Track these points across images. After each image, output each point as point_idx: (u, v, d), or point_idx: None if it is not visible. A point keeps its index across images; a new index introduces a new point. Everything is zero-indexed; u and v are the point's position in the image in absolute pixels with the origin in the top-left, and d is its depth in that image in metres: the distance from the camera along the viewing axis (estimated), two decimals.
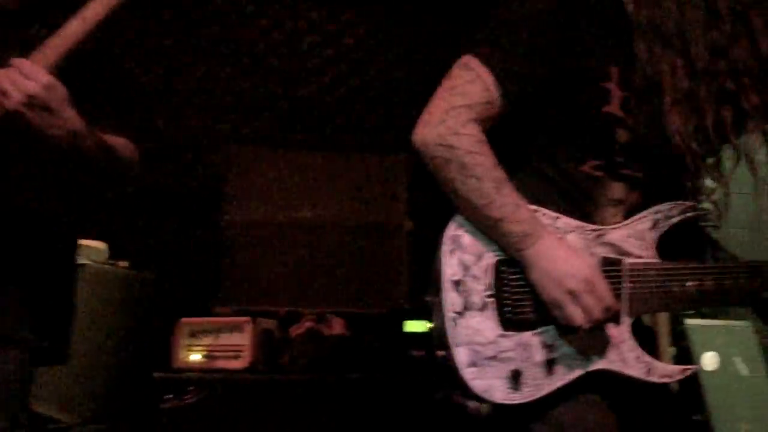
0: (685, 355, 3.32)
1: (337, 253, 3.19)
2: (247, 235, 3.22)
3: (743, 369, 3.36)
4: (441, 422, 2.64)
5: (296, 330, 2.83)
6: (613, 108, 1.34)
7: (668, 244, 1.39)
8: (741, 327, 3.36)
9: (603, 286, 1.27)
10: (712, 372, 3.29)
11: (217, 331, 2.81)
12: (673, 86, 1.30)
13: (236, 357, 2.74)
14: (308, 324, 2.81)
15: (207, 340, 2.79)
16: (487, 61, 1.32)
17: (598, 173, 1.36)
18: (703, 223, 1.44)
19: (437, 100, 1.33)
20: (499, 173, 1.31)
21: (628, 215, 1.37)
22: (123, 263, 2.90)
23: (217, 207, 3.27)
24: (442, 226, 1.38)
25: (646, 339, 1.41)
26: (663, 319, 2.25)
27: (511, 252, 1.31)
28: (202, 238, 3.52)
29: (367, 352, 2.81)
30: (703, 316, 3.14)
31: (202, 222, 3.48)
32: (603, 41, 1.35)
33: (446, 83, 1.34)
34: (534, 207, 1.33)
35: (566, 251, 1.29)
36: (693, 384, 3.32)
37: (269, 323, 2.87)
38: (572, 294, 1.26)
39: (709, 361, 3.31)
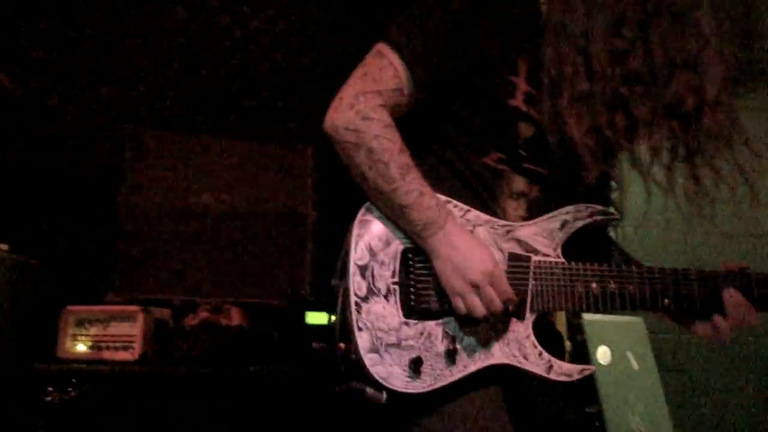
0: (580, 349, 3.41)
1: (237, 241, 3.09)
2: (143, 220, 3.08)
3: (635, 363, 3.48)
4: (342, 416, 2.60)
5: (191, 320, 2.71)
6: (518, 102, 1.36)
7: (576, 245, 1.41)
8: (633, 323, 3.49)
9: (504, 280, 1.27)
10: (605, 366, 3.40)
11: (106, 320, 2.66)
12: (573, 86, 1.32)
13: (125, 348, 2.60)
14: (204, 314, 2.71)
15: (94, 330, 2.64)
16: (398, 49, 1.33)
17: (501, 167, 1.37)
18: (608, 225, 1.46)
19: (348, 86, 1.33)
20: (407, 159, 1.30)
21: (529, 209, 1.38)
22: (3, 246, 2.71)
23: (113, 190, 3.12)
24: (348, 217, 1.37)
25: (553, 340, 1.43)
26: (560, 314, 2.29)
27: (416, 239, 1.30)
28: (95, 223, 3.34)
29: (267, 345, 2.73)
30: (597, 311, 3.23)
31: (96, 205, 3.31)
32: (514, 35, 1.36)
33: (358, 70, 1.35)
34: (446, 198, 1.33)
35: (470, 242, 1.28)
36: (587, 377, 3.41)
37: (163, 313, 2.75)
38: (473, 285, 1.26)
39: (602, 355, 3.41)
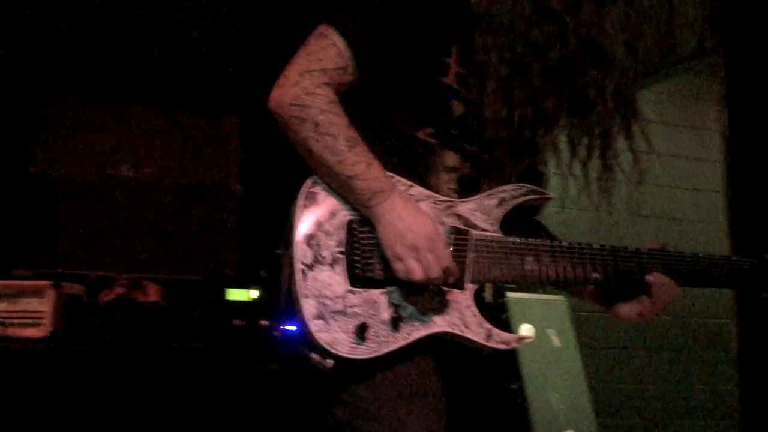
0: (504, 326, 3.44)
1: (157, 214, 2.99)
2: (57, 190, 2.95)
3: (556, 341, 3.55)
4: (262, 394, 2.55)
5: (106, 296, 2.61)
6: (450, 80, 1.42)
7: (511, 224, 1.45)
8: (556, 301, 3.55)
9: (444, 249, 1.32)
10: (527, 344, 3.45)
11: (14, 295, 2.52)
12: (496, 76, 1.40)
13: (35, 324, 2.48)
14: (120, 290, 2.60)
15: (1, 306, 2.50)
16: (341, 29, 1.38)
17: (433, 140, 1.42)
18: (543, 205, 1.52)
19: (293, 64, 1.38)
20: (354, 133, 1.35)
21: (460, 183, 1.43)
22: None
23: (25, 158, 2.96)
24: (276, 193, 1.40)
25: (492, 312, 1.47)
26: (487, 293, 2.30)
27: (361, 209, 1.34)
28: (4, 193, 3.17)
29: (186, 322, 2.65)
30: (521, 289, 3.27)
31: (6, 174, 3.14)
32: (447, 20, 1.43)
33: (302, 50, 1.39)
34: (390, 174, 1.37)
35: (414, 209, 1.33)
36: (509, 354, 3.46)
37: (76, 288, 2.63)
38: (413, 249, 1.29)
39: (525, 332, 3.46)
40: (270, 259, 1.38)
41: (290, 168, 1.40)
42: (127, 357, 2.53)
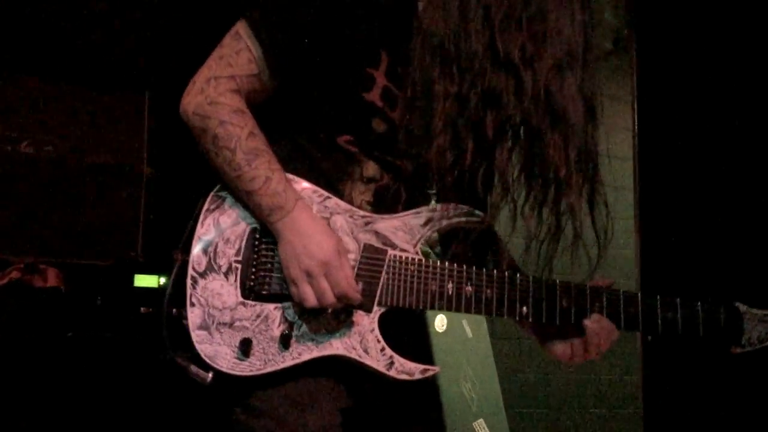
0: (419, 318, 3.45)
1: (59, 195, 2.83)
2: None
3: (469, 331, 3.58)
4: (167, 384, 2.45)
5: None
6: (374, 96, 1.33)
7: (451, 243, 1.38)
8: None
9: (341, 273, 1.23)
10: (441, 333, 3.47)
11: None
12: (443, 113, 1.28)
13: None
14: (15, 274, 2.45)
15: None
16: (257, 33, 1.29)
17: (353, 148, 1.34)
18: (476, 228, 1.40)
19: (203, 69, 1.31)
20: (255, 144, 1.27)
21: (377, 195, 1.34)
22: None
23: None
24: (188, 176, 1.37)
25: (414, 334, 1.43)
26: None
27: (264, 223, 1.28)
28: None
29: (88, 308, 2.52)
30: None
31: None
32: (380, 25, 1.32)
33: (216, 51, 1.32)
34: (308, 185, 1.30)
35: (315, 228, 1.25)
36: (423, 344, 3.48)
37: None
38: (307, 274, 1.22)
39: (439, 323, 3.48)
40: (160, 259, 1.35)
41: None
42: (22, 345, 2.38)
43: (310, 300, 1.22)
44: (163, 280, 2.69)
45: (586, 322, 1.34)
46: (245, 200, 1.28)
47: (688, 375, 3.12)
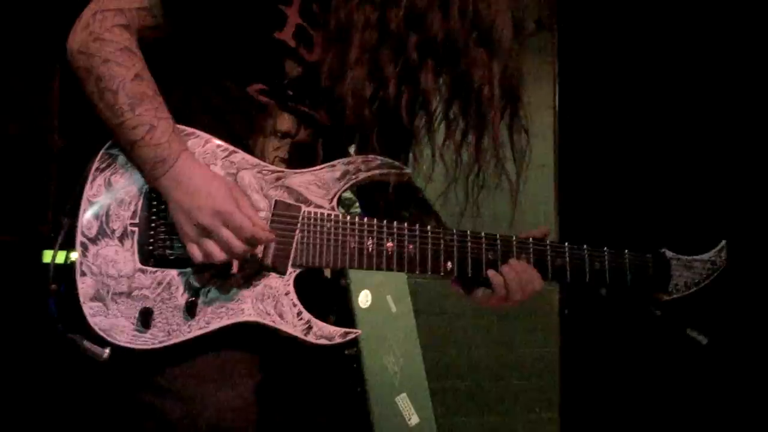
0: (343, 293, 3.44)
1: None
2: None
3: (393, 306, 3.59)
4: (75, 366, 2.35)
5: None
6: (286, 35, 1.22)
7: (375, 198, 1.32)
8: None
9: (240, 216, 1.12)
10: (365, 309, 3.46)
11: None
12: (362, 42, 1.21)
13: None
14: None
15: None
16: None
17: (265, 99, 1.23)
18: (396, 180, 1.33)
19: (90, 3, 1.18)
20: (141, 88, 1.15)
21: (292, 151, 1.25)
22: None
23: None
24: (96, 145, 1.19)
25: (332, 294, 1.33)
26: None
27: (148, 181, 1.15)
28: None
29: None
30: None
31: None
32: None
33: None
34: (208, 136, 1.18)
35: (202, 178, 1.14)
36: (347, 320, 3.47)
37: None
38: (204, 229, 1.12)
39: (363, 298, 3.47)
40: (40, 237, 1.21)
41: None
42: None
43: (217, 254, 1.11)
44: (74, 255, 2.58)
45: (502, 269, 1.29)
46: (129, 154, 1.15)
47: (604, 347, 3.22)
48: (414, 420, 3.50)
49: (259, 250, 1.15)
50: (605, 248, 1.34)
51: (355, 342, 3.40)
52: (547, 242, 1.32)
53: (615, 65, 3.32)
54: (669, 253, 1.42)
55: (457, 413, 4.26)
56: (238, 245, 1.11)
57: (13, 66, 2.87)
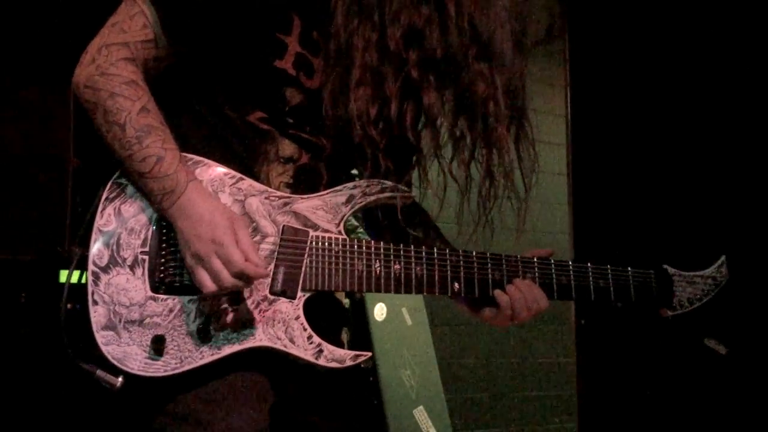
0: (359, 306, 3.44)
1: None
2: None
3: (409, 319, 3.59)
4: (88, 391, 2.35)
5: None
6: (286, 64, 1.23)
7: (380, 221, 1.32)
8: None
9: (234, 249, 1.12)
10: (381, 322, 3.46)
11: None
12: (363, 63, 1.21)
13: None
14: None
15: None
16: None
17: (266, 126, 1.24)
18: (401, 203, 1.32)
19: (96, 37, 1.20)
20: (148, 120, 1.16)
21: (296, 176, 1.26)
22: None
23: None
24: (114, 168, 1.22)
25: (336, 317, 1.34)
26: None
27: (157, 210, 1.17)
28: None
29: (9, 305, 2.40)
30: None
31: None
32: None
33: (110, 19, 1.21)
34: (219, 167, 1.20)
35: (206, 208, 1.15)
36: (363, 334, 3.47)
37: None
38: (198, 257, 1.13)
39: (378, 312, 3.47)
40: (58, 257, 1.22)
41: None
42: None
43: (207, 285, 1.11)
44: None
45: (508, 288, 1.30)
46: (137, 184, 1.17)
47: (621, 356, 3.19)
48: None
49: (262, 282, 1.16)
50: (608, 265, 1.35)
51: (372, 355, 3.41)
52: (552, 261, 1.33)
53: (627, 71, 3.32)
54: (671, 269, 1.42)
55: (475, 425, 4.24)
56: (227, 278, 1.12)
57: (32, 90, 2.91)
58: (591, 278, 1.34)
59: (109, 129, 1.16)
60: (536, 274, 1.32)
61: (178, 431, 1.15)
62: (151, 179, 1.15)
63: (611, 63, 3.38)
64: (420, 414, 3.44)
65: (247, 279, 1.13)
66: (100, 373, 1.11)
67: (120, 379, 1.11)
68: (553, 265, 1.33)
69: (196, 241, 1.12)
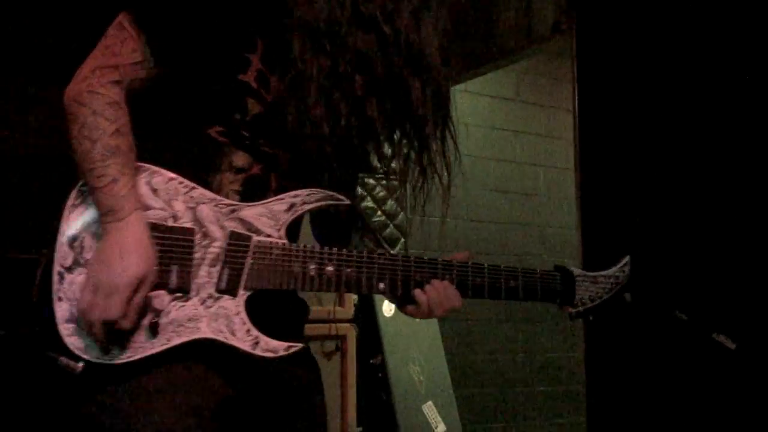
0: (367, 302, 3.45)
1: None
2: None
3: None
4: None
5: None
6: (249, 77, 1.38)
7: (324, 226, 1.46)
8: None
9: (115, 300, 1.23)
10: (389, 318, 3.47)
11: None
12: (317, 87, 1.38)
13: None
14: None
15: None
16: (140, 20, 1.34)
17: (222, 139, 1.37)
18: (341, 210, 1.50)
19: (90, 59, 1.33)
20: (118, 142, 1.29)
21: (246, 184, 1.39)
22: None
23: None
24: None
25: (294, 309, 1.48)
26: None
27: (100, 221, 1.31)
28: None
29: (17, 305, 2.42)
30: None
31: None
32: (255, 14, 1.39)
33: (102, 42, 1.34)
34: (173, 175, 1.33)
35: (133, 248, 1.26)
36: (372, 329, 3.49)
37: None
38: (94, 285, 1.24)
39: (387, 308, 3.48)
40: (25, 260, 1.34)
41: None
42: None
43: (82, 302, 1.23)
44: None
45: (426, 288, 1.44)
46: (90, 194, 1.30)
47: (630, 351, 3.20)
48: (441, 428, 3.51)
49: (209, 280, 1.32)
50: (519, 268, 1.51)
51: (380, 351, 3.41)
52: (468, 264, 1.48)
53: (635, 66, 3.31)
54: (576, 271, 1.55)
55: (484, 420, 4.25)
56: (96, 317, 1.23)
57: (46, 90, 2.93)
58: (503, 279, 1.49)
59: (82, 142, 1.28)
60: (454, 275, 1.46)
61: (100, 419, 1.27)
62: (102, 194, 1.27)
63: (619, 57, 3.37)
64: (429, 409, 3.46)
65: (110, 328, 1.24)
66: (63, 359, 1.24)
67: (80, 364, 1.24)
68: (469, 268, 1.47)
69: (104, 268, 1.24)
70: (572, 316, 1.54)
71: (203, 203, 1.33)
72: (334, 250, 1.39)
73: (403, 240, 4.13)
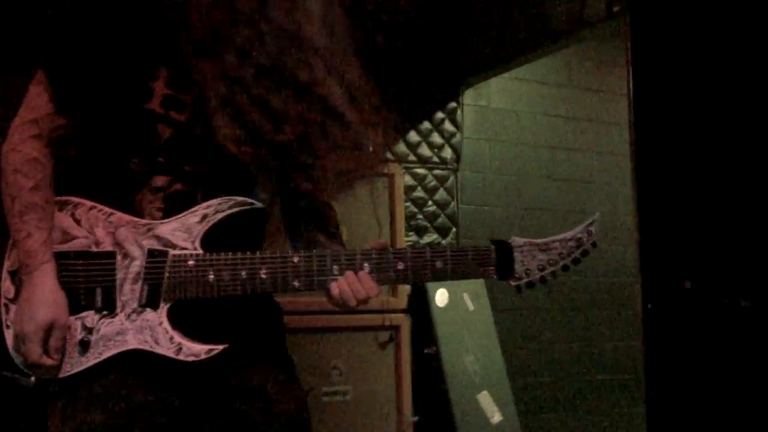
0: (420, 292, 3.46)
1: None
2: None
3: (470, 305, 3.58)
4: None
5: None
6: (154, 105, 1.44)
7: (226, 234, 1.49)
8: None
9: (30, 347, 1.39)
10: (442, 308, 3.47)
11: None
12: (216, 93, 1.43)
13: None
14: None
15: None
16: (50, 73, 1.43)
17: (142, 169, 1.45)
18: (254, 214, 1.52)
19: (16, 117, 1.45)
20: (35, 198, 1.42)
21: (166, 201, 1.45)
22: None
23: None
24: None
25: (214, 318, 1.52)
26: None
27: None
28: None
29: None
30: None
31: None
32: (153, 44, 1.45)
33: (24, 99, 1.46)
34: (92, 203, 1.43)
35: (38, 298, 1.40)
36: (426, 320, 3.48)
37: None
38: (20, 334, 1.40)
39: (440, 297, 3.48)
40: None
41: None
42: None
43: (20, 356, 1.41)
44: None
45: (339, 280, 1.46)
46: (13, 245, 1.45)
47: (688, 341, 3.13)
48: (497, 418, 3.49)
49: (133, 296, 1.43)
50: (448, 248, 1.48)
51: (434, 341, 3.41)
52: (390, 251, 1.48)
53: (690, 48, 3.22)
54: (518, 240, 1.48)
55: (540, 410, 4.21)
56: (18, 360, 1.42)
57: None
58: (428, 262, 1.47)
59: (5, 198, 1.44)
60: (373, 263, 1.47)
61: (50, 422, 1.43)
62: (19, 247, 1.42)
63: (674, 39, 3.28)
64: (484, 399, 3.44)
65: (40, 369, 1.40)
66: (17, 376, 1.43)
67: (32, 378, 1.43)
68: (390, 255, 1.47)
69: (18, 317, 1.41)
70: (519, 288, 1.48)
71: (122, 226, 1.43)
72: (248, 254, 1.45)
73: (455, 229, 4.11)
